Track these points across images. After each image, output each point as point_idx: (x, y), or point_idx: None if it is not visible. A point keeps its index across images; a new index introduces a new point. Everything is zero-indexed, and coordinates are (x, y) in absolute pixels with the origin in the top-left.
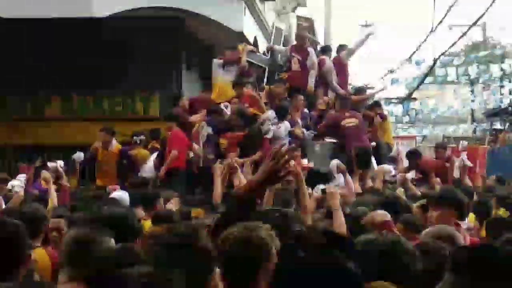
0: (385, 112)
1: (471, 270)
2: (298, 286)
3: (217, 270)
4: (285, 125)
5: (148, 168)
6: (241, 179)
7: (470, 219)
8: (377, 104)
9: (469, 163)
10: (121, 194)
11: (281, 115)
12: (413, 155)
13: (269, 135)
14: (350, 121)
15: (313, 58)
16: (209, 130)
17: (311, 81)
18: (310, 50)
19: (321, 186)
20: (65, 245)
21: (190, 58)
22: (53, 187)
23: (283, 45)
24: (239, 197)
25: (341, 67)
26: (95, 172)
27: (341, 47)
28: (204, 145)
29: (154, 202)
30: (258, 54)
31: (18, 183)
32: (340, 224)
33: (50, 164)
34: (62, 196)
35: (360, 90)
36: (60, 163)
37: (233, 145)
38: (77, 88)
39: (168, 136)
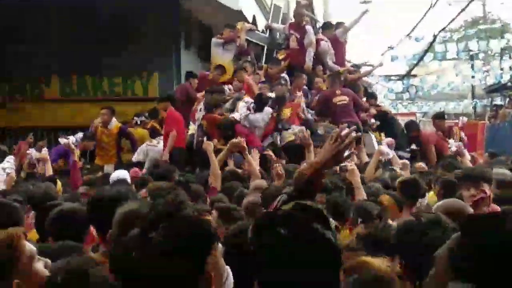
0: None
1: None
2: (279, 261)
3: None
4: (262, 115)
5: (140, 150)
6: (250, 161)
7: (430, 196)
8: (372, 96)
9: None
10: (122, 173)
11: (259, 106)
12: (410, 126)
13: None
14: (341, 99)
15: (310, 36)
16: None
17: (309, 59)
18: (308, 28)
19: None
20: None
21: (189, 38)
22: (49, 165)
23: (282, 23)
24: (306, 179)
25: (337, 45)
26: (94, 151)
27: (338, 25)
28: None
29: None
30: (257, 32)
31: (8, 165)
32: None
33: (61, 140)
34: (74, 172)
35: (356, 67)
36: (72, 139)
37: (212, 126)
38: (76, 69)
39: (164, 116)
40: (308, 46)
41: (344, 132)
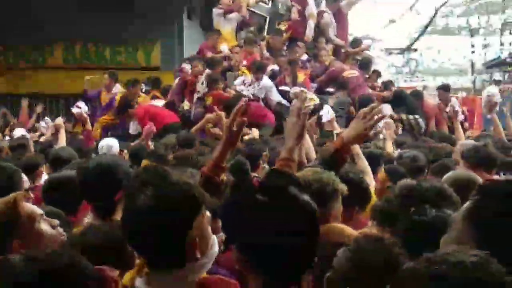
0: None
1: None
2: (256, 225)
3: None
4: (263, 83)
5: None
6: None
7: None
8: (376, 72)
9: (458, 108)
10: (109, 142)
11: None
12: (416, 97)
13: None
14: (351, 72)
15: (311, 8)
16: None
17: (309, 31)
18: (310, 1)
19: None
20: None
21: (191, 7)
22: (63, 133)
23: None
24: (332, 152)
25: (341, 18)
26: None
27: None
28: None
29: None
30: (260, 4)
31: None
32: (365, 167)
33: (74, 110)
34: (87, 141)
35: (355, 42)
36: (84, 108)
37: (218, 103)
38: (78, 37)
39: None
40: (309, 17)
41: (373, 110)
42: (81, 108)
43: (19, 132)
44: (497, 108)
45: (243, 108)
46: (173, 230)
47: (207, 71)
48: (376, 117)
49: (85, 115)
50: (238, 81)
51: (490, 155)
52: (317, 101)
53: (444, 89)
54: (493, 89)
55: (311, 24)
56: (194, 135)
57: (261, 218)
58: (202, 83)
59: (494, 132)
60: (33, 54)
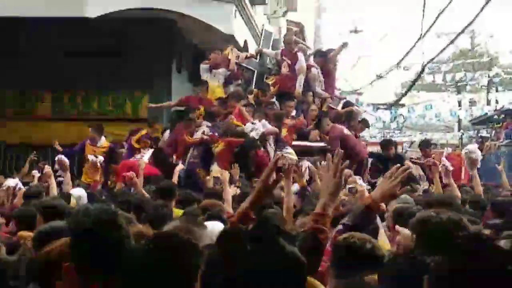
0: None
1: None
2: (245, 275)
3: None
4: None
5: None
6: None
7: None
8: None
9: (449, 166)
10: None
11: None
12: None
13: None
14: (348, 132)
15: (302, 63)
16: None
17: (299, 85)
18: (300, 54)
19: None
20: None
21: (180, 59)
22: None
23: (272, 49)
24: (364, 210)
25: (328, 72)
26: (82, 168)
27: (328, 51)
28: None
29: None
30: (249, 57)
31: (15, 181)
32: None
33: (90, 157)
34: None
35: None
36: (100, 159)
37: (230, 151)
38: (67, 87)
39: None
40: (299, 72)
41: (397, 171)
42: (97, 157)
43: (10, 182)
44: (479, 165)
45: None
46: None
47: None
48: (399, 178)
49: (99, 164)
50: (248, 127)
51: None
52: (295, 157)
53: (425, 146)
54: (472, 147)
55: (301, 79)
56: (174, 185)
57: (249, 266)
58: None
59: (474, 186)
60: (20, 102)
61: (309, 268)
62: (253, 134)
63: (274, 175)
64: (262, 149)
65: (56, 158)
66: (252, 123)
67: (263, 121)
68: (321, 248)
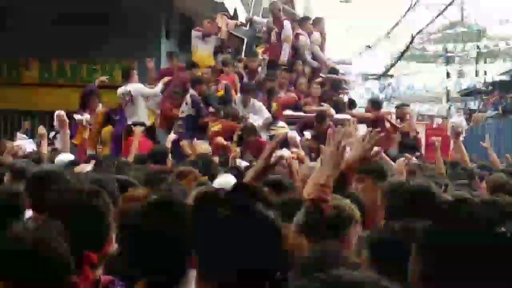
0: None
1: None
2: (219, 240)
3: None
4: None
5: None
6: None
7: None
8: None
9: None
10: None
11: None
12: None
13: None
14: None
15: (287, 31)
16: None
17: (284, 54)
18: (286, 22)
19: None
20: None
21: (169, 26)
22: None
23: (262, 17)
24: (340, 175)
25: (312, 40)
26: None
27: (318, 20)
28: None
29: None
30: (239, 26)
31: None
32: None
33: (76, 117)
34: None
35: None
36: (87, 117)
37: (228, 133)
38: (55, 54)
39: None
40: (284, 41)
41: (371, 134)
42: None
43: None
44: (463, 136)
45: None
46: None
47: (191, 91)
48: (373, 140)
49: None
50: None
51: None
52: (287, 130)
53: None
54: (457, 119)
55: (286, 47)
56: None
57: (220, 232)
58: (186, 103)
59: (456, 156)
60: (8, 69)
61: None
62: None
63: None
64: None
65: (56, 113)
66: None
67: (256, 103)
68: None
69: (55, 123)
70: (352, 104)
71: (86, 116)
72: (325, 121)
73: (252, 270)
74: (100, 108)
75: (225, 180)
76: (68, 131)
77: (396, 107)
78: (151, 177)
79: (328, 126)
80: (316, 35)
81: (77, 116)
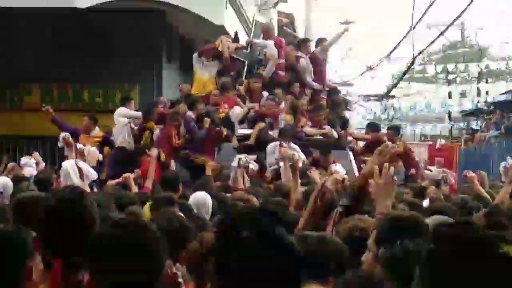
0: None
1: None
2: (241, 263)
3: None
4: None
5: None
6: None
7: None
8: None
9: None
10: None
11: None
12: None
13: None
14: None
15: (270, 49)
16: None
17: (266, 72)
18: (269, 42)
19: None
20: None
21: (170, 51)
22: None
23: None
24: (357, 188)
25: (316, 63)
26: None
27: (318, 42)
28: None
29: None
30: (239, 49)
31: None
32: None
33: (78, 146)
34: None
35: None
36: (90, 148)
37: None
38: (57, 79)
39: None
40: (268, 59)
41: (387, 148)
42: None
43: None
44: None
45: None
46: None
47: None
48: (390, 154)
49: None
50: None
51: None
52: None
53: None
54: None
55: (269, 64)
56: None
57: (246, 256)
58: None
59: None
60: (9, 94)
61: None
62: None
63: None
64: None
65: (61, 135)
66: None
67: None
68: None
69: (60, 144)
70: (345, 123)
71: (90, 148)
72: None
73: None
74: (96, 131)
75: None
76: (74, 151)
77: (387, 129)
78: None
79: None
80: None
81: (79, 145)
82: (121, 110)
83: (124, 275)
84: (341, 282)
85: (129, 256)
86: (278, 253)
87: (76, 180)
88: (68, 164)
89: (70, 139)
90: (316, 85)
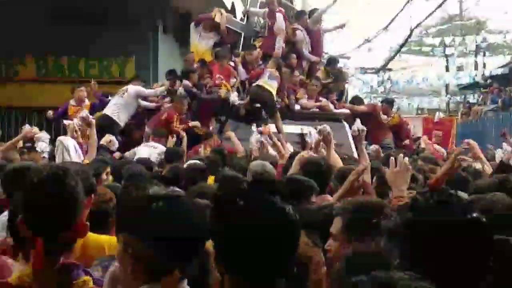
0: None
1: None
2: (235, 231)
3: None
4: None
5: None
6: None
7: None
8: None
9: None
10: None
11: None
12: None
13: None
14: None
15: (279, 24)
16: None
17: (277, 46)
18: (278, 15)
19: None
20: None
21: (166, 22)
22: None
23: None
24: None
25: (313, 35)
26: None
27: (311, 13)
28: None
29: None
30: (235, 20)
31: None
32: None
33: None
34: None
35: (331, 61)
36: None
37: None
38: (52, 50)
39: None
40: (277, 33)
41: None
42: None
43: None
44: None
45: None
46: None
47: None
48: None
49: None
50: (234, 95)
51: None
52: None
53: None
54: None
55: (279, 40)
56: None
57: (239, 221)
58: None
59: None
60: (4, 66)
61: None
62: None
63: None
64: None
65: (80, 115)
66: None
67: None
68: None
69: (77, 123)
70: (341, 95)
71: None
72: None
73: (269, 263)
74: (86, 101)
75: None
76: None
77: (381, 102)
78: None
79: None
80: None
81: (66, 122)
82: (139, 90)
83: None
84: None
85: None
86: (275, 222)
87: (74, 155)
88: (68, 140)
89: (91, 117)
90: (313, 58)
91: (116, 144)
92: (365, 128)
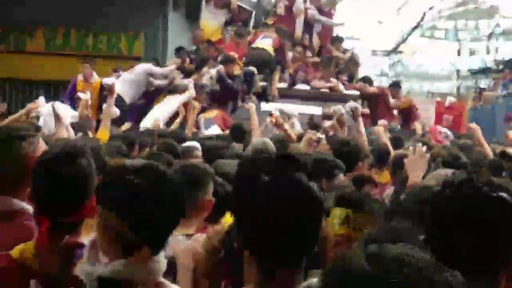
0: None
1: None
2: (258, 206)
3: None
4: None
5: None
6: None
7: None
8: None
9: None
10: None
11: None
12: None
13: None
14: None
15: (299, 4)
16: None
17: (298, 28)
18: None
19: None
20: None
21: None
22: None
23: None
24: None
25: (324, 15)
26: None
27: None
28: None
29: None
30: None
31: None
32: None
33: (106, 80)
34: None
35: (336, 39)
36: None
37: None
38: (61, 23)
39: None
40: (297, 14)
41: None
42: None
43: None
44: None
45: None
46: None
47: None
48: None
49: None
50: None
51: None
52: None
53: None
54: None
55: (300, 21)
56: None
57: (263, 199)
58: (211, 78)
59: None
60: (13, 37)
61: None
62: None
63: None
64: None
65: (105, 82)
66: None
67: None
68: None
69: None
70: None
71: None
72: None
73: (292, 240)
74: (95, 77)
75: None
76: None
77: (389, 85)
78: None
79: None
80: None
81: (81, 95)
82: (148, 67)
83: None
84: None
85: None
86: (299, 198)
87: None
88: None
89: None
90: (335, 22)
91: (118, 113)
92: (358, 106)
